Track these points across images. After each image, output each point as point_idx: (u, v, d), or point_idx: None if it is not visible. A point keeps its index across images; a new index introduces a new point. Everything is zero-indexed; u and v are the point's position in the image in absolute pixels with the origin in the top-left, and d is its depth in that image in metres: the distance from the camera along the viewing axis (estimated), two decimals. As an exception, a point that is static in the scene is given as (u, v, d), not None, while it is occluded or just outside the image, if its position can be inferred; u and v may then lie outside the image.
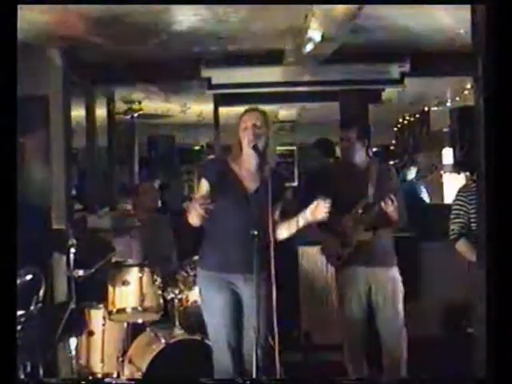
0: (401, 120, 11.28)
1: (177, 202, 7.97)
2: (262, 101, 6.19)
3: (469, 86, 7.29)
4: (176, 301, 4.50)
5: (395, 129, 11.81)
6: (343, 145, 4.42)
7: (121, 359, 4.50)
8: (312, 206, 3.52)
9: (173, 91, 8.30)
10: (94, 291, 4.59)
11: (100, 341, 4.52)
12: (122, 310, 4.43)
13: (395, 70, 6.39)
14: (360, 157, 4.39)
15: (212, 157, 8.06)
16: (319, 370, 5.09)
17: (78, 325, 4.43)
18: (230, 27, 5.16)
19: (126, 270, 4.53)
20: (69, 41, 5.38)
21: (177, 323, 4.48)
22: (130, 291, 4.44)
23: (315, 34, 4.66)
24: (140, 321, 4.56)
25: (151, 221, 5.33)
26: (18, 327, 3.59)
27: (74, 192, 7.96)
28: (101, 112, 7.82)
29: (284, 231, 3.70)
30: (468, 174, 6.26)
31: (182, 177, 11.90)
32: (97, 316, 4.56)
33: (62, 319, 4.14)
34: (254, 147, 3.56)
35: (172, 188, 9.89)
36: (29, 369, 3.82)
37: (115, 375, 4.48)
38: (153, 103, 9.24)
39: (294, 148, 11.58)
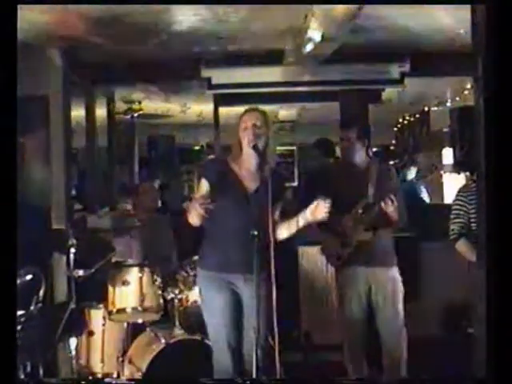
0: (401, 120, 11.28)
1: (177, 202, 7.97)
2: (262, 101, 6.19)
3: (469, 86, 7.29)
4: (176, 301, 4.50)
5: (395, 129, 11.81)
6: (343, 145, 4.42)
7: (121, 359, 4.50)
8: (312, 206, 3.52)
9: (173, 91, 8.30)
10: (93, 291, 4.59)
11: (100, 341, 4.52)
12: (121, 310, 4.43)
13: (395, 70, 6.39)
14: (360, 157, 4.39)
15: (212, 157, 8.06)
16: (319, 370, 5.09)
17: (78, 325, 4.43)
18: (230, 27, 5.16)
19: (126, 269, 4.53)
20: (69, 41, 5.38)
21: (177, 323, 4.47)
22: (130, 291, 4.44)
23: (315, 33, 4.66)
24: (140, 321, 4.56)
25: (151, 221, 5.33)
26: (18, 327, 3.59)
27: (73, 192, 7.96)
28: (101, 112, 7.82)
29: (284, 231, 3.70)
30: (468, 174, 6.26)
31: (182, 177, 11.90)
32: (97, 316, 4.56)
33: (62, 319, 4.14)
34: (254, 147, 3.56)
35: (172, 188, 9.89)
36: (29, 369, 3.82)
37: (115, 375, 4.48)
38: (153, 103, 9.24)
39: (294, 148, 11.58)
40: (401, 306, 4.29)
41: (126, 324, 4.56)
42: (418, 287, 5.69)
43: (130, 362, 4.45)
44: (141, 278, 4.46)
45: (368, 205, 4.22)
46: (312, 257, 5.60)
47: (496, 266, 2.52)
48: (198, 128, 11.32)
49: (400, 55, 6.32)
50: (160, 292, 4.51)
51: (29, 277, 3.78)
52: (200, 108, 9.58)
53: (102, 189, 7.62)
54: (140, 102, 9.16)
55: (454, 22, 4.92)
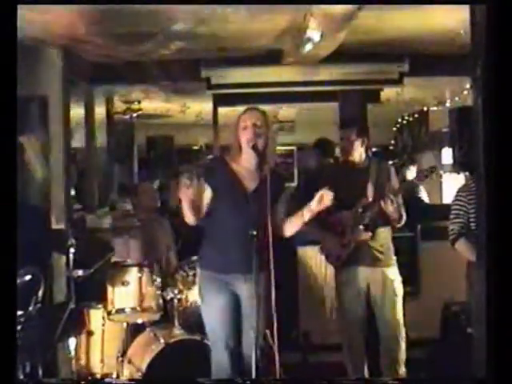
0: (400, 120, 11.26)
1: (176, 202, 7.96)
2: (261, 101, 6.18)
3: (468, 86, 7.28)
4: (175, 301, 4.50)
5: (394, 129, 11.80)
6: (343, 144, 4.43)
7: (120, 359, 4.50)
8: (317, 197, 3.55)
9: (172, 91, 8.29)
10: (93, 291, 4.59)
11: (99, 341, 4.52)
12: (121, 310, 4.44)
13: (394, 70, 6.40)
14: (359, 156, 4.39)
15: (211, 157, 8.06)
16: (318, 370, 5.09)
17: (78, 325, 4.43)
18: (230, 27, 5.16)
19: (126, 270, 4.53)
20: (68, 41, 5.38)
21: (176, 323, 4.48)
22: (130, 291, 4.45)
23: (314, 33, 4.66)
24: (139, 321, 4.56)
25: (150, 221, 5.33)
26: (18, 327, 3.59)
27: (73, 192, 7.95)
28: (100, 112, 7.81)
29: (291, 227, 3.72)
30: (467, 173, 6.27)
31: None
32: (96, 316, 4.56)
33: (62, 319, 4.13)
34: (254, 147, 3.55)
35: (171, 188, 9.87)
36: (28, 369, 3.82)
37: (115, 375, 4.48)
38: (152, 103, 9.23)
39: (294, 148, 11.57)
40: (400, 306, 4.30)
41: (125, 324, 4.55)
42: (417, 287, 5.70)
43: (130, 362, 4.45)
44: (140, 278, 4.47)
45: (367, 204, 4.23)
46: (311, 256, 5.60)
47: (496, 265, 2.52)
48: (197, 128, 11.31)
49: (399, 55, 6.32)
50: (159, 292, 4.51)
51: (28, 277, 3.77)
52: (199, 108, 9.57)
53: (101, 189, 7.61)
54: (139, 102, 9.15)
55: (453, 22, 4.92)
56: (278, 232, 3.62)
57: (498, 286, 2.50)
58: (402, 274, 4.35)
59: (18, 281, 3.58)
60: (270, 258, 3.26)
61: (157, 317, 4.53)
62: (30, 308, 3.79)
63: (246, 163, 3.67)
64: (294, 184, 9.20)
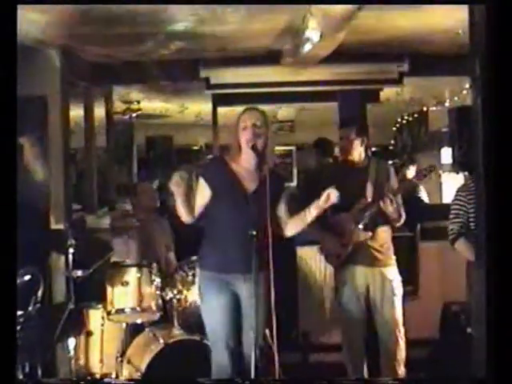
0: (399, 120, 11.27)
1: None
2: (261, 101, 6.19)
3: (467, 86, 7.28)
4: (175, 301, 4.50)
5: (394, 128, 11.81)
6: (342, 144, 4.43)
7: (119, 359, 4.50)
8: (324, 195, 3.60)
9: (171, 91, 8.29)
10: (92, 291, 4.59)
11: (99, 341, 4.52)
12: (120, 310, 4.43)
13: (394, 70, 6.40)
14: (359, 156, 4.39)
15: (210, 157, 8.06)
16: (318, 370, 5.09)
17: (77, 325, 4.43)
18: (229, 27, 5.16)
19: (125, 270, 4.53)
20: (68, 41, 5.37)
21: (176, 323, 4.48)
22: (129, 291, 4.44)
23: (313, 33, 4.66)
24: (139, 321, 4.56)
25: (150, 221, 5.33)
26: (17, 327, 3.59)
27: (72, 192, 7.94)
28: (99, 112, 7.80)
29: (295, 226, 3.75)
30: (467, 173, 6.27)
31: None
32: (95, 316, 4.56)
33: (61, 319, 4.14)
34: (253, 147, 3.56)
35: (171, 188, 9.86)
36: (27, 369, 3.82)
37: (114, 375, 4.48)
38: (151, 103, 9.23)
39: (293, 148, 11.57)
40: (400, 306, 4.30)
41: (124, 324, 4.55)
42: (417, 287, 5.69)
43: (129, 362, 4.45)
44: (139, 278, 4.46)
45: (367, 204, 4.23)
46: (311, 257, 5.60)
47: (495, 265, 2.52)
48: (197, 128, 11.32)
49: (398, 55, 6.31)
50: (159, 292, 4.50)
51: (27, 277, 3.78)
52: (198, 108, 9.57)
53: (100, 189, 7.60)
54: (138, 102, 9.15)
55: (453, 22, 4.92)
56: (279, 232, 3.63)
57: (497, 285, 2.50)
58: (401, 273, 4.34)
59: (18, 281, 3.58)
60: (269, 258, 3.26)
61: (156, 317, 4.52)
62: (30, 308, 3.79)
63: (245, 163, 3.67)
64: (293, 184, 9.21)
